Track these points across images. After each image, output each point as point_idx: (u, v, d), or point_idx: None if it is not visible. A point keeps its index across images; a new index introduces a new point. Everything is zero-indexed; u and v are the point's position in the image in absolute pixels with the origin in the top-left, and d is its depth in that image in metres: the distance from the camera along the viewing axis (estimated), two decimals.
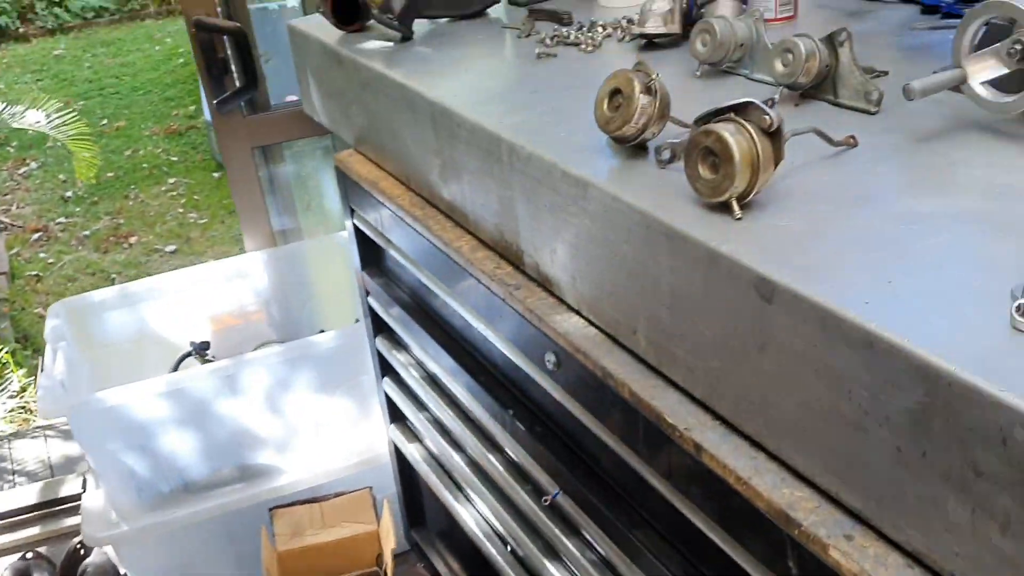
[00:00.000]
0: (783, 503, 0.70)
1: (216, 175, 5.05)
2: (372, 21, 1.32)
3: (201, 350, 2.13)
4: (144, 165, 5.33)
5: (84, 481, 2.31)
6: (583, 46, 1.20)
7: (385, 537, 1.75)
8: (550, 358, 0.98)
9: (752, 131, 0.73)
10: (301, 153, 2.55)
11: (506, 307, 1.04)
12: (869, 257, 0.66)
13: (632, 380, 0.84)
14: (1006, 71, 0.80)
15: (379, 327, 1.56)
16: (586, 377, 0.91)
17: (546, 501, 1.06)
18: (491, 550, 1.30)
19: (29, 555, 2.08)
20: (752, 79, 1.02)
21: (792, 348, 0.66)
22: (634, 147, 0.87)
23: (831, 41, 0.92)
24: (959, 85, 0.82)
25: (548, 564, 1.13)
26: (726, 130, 0.73)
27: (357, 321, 2.02)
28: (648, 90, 0.83)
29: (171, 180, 5.12)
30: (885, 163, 0.80)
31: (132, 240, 4.56)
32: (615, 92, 0.85)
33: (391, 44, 1.30)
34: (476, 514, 1.37)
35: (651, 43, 1.18)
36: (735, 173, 0.72)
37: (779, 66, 0.93)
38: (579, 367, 0.91)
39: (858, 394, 0.62)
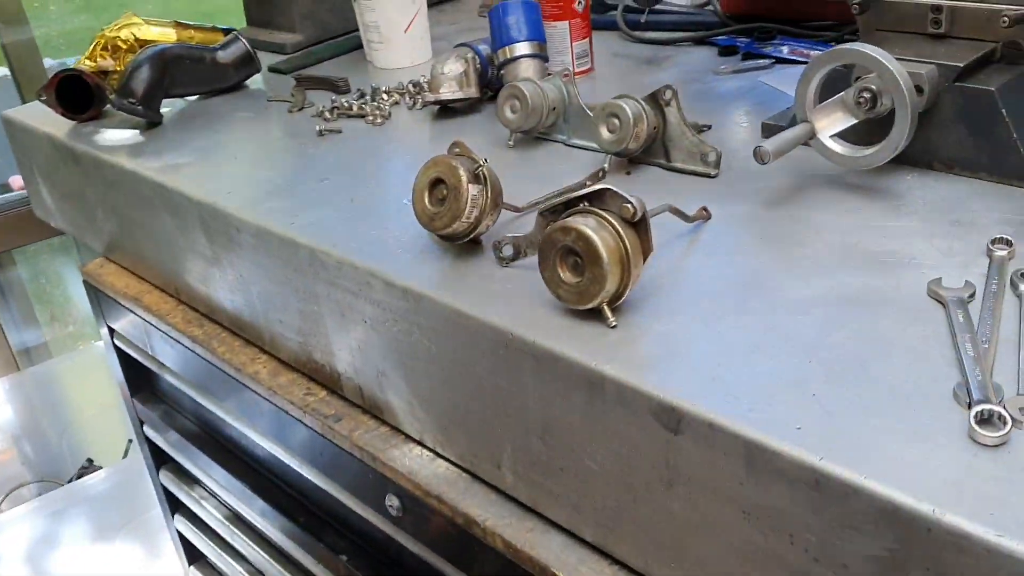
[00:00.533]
0: None
1: None
2: (110, 107, 1.10)
3: None
4: None
5: None
6: (370, 118, 1.05)
7: None
8: (392, 502, 0.81)
9: (615, 223, 0.61)
10: (36, 252, 2.19)
11: (326, 442, 0.86)
12: (779, 365, 0.56)
13: (503, 526, 0.69)
14: (854, 121, 0.74)
15: (162, 459, 1.31)
16: (443, 524, 0.76)
17: None
18: None
19: None
20: (570, 145, 0.92)
21: (711, 486, 0.54)
22: (467, 243, 0.73)
23: (655, 100, 0.83)
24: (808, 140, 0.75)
25: None
26: (587, 225, 0.61)
27: (131, 442, 1.74)
28: (477, 178, 0.70)
29: None
30: (748, 237, 0.71)
31: None
32: (437, 182, 0.71)
33: (137, 132, 1.09)
34: None
35: (446, 109, 1.05)
36: (604, 275, 0.60)
37: (605, 132, 0.83)
38: (432, 512, 0.76)
39: (803, 539, 0.51)
